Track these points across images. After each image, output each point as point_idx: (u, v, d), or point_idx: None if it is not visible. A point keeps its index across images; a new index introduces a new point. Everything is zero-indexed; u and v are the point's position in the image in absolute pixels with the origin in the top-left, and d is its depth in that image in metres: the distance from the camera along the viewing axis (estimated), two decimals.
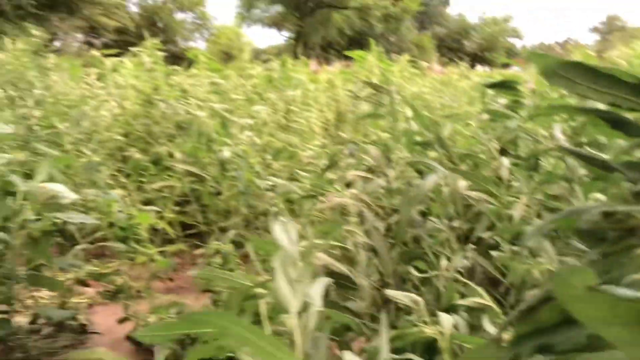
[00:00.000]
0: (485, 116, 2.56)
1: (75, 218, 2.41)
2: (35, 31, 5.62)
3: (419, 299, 1.03)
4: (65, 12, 22.89)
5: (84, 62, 7.01)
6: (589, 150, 1.47)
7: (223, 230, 3.43)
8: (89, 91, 4.75)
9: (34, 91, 4.23)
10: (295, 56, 9.70)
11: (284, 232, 0.93)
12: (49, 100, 4.27)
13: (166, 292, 3.21)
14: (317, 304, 0.96)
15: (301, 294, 0.89)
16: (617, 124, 0.78)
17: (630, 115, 0.77)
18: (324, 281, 1.02)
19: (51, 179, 2.50)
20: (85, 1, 22.22)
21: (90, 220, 2.43)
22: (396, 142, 1.66)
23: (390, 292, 1.08)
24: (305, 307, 0.94)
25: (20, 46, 5.46)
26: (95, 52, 5.23)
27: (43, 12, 21.65)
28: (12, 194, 2.47)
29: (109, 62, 5.39)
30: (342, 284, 1.55)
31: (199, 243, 3.50)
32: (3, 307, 2.58)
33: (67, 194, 2.33)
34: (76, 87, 4.80)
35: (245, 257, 3.33)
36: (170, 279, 3.41)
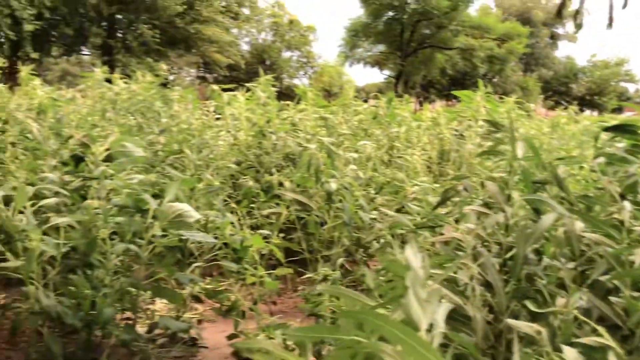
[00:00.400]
0: (601, 160, 2.50)
1: (197, 236, 2.62)
2: (163, 65, 6.15)
3: (542, 329, 1.06)
4: (183, 48, 24.67)
5: (199, 95, 7.55)
6: None
7: (326, 259, 3.54)
8: (208, 122, 5.11)
9: (162, 120, 4.63)
10: (397, 94, 9.83)
11: (414, 256, 1.00)
12: (173, 128, 4.65)
13: (270, 315, 3.34)
14: (441, 326, 1.01)
15: (430, 314, 0.95)
16: None
17: None
18: (447, 306, 1.07)
19: (177, 200, 2.73)
20: (203, 39, 23.84)
21: (210, 239, 2.63)
22: (512, 180, 1.69)
23: (513, 322, 1.11)
24: (430, 328, 1.00)
25: (148, 79, 5.99)
26: (214, 86, 5.62)
27: (164, 48, 23.46)
28: (142, 211, 2.73)
29: (225, 95, 5.78)
30: (453, 316, 1.58)
31: (301, 270, 3.63)
32: (128, 315, 2.83)
33: (192, 214, 2.54)
34: (196, 117, 5.18)
35: (347, 287, 3.41)
36: (274, 303, 3.55)
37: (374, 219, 3.68)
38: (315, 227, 3.67)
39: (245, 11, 30.09)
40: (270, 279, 3.04)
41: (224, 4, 26.20)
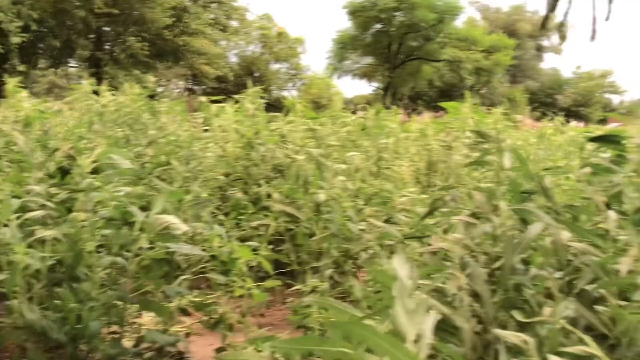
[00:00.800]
0: (587, 170, 2.52)
1: (184, 249, 2.60)
2: (151, 77, 6.14)
3: (529, 339, 1.06)
4: (171, 60, 24.67)
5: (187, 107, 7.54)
6: None
7: (315, 270, 3.52)
8: (196, 134, 5.10)
9: (149, 132, 4.62)
10: (385, 106, 9.88)
11: (403, 266, 1.00)
12: (160, 140, 4.63)
13: (258, 328, 3.32)
14: (429, 336, 1.01)
15: (417, 325, 0.95)
16: None
17: None
18: (435, 316, 1.07)
19: (164, 212, 2.71)
20: (191, 51, 23.86)
21: (197, 251, 2.61)
22: (499, 190, 1.70)
23: (500, 332, 1.11)
24: (417, 338, 0.99)
25: (136, 91, 5.97)
26: (202, 98, 5.62)
27: (152, 60, 23.44)
28: (130, 223, 2.70)
29: (213, 107, 5.77)
30: (441, 327, 1.58)
31: (291, 282, 3.61)
32: (114, 329, 2.79)
33: (179, 226, 2.52)
34: (184, 129, 5.17)
35: (336, 298, 3.40)
36: (262, 315, 3.53)
37: (363, 229, 3.68)
38: (304, 238, 3.67)
39: (234, 23, 30.16)
40: (259, 291, 3.02)
41: (212, 16, 26.25)
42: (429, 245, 1.68)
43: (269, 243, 3.80)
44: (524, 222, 1.73)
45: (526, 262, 1.75)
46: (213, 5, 26.42)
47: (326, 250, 3.73)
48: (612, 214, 1.69)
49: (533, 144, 6.31)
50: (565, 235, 1.71)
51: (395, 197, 3.54)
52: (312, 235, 3.76)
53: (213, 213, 3.98)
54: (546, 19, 2.59)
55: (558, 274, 1.70)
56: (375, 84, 37.41)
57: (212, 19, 26.15)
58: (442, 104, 5.98)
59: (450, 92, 34.09)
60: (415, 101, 38.08)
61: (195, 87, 31.44)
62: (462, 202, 2.13)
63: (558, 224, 1.68)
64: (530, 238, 1.50)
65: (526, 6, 45.25)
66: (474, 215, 1.67)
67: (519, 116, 9.29)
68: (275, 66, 33.99)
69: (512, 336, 1.08)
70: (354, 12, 31.55)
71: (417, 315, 0.96)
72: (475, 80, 34.50)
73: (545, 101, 42.68)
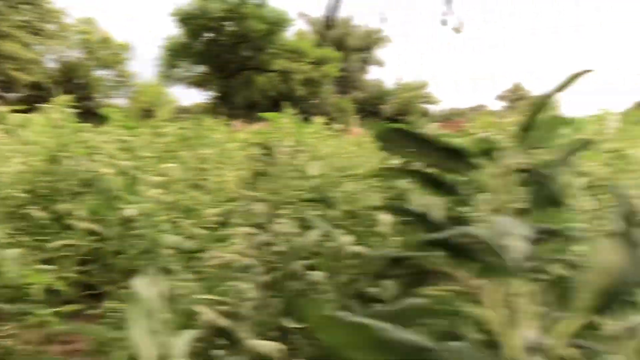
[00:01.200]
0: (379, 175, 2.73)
1: None
2: None
3: (279, 347, 1.09)
4: None
5: None
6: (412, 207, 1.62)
7: (125, 289, 3.35)
8: None
9: None
10: (218, 115, 9.81)
11: (145, 285, 0.97)
12: None
13: (63, 355, 3.08)
14: (179, 355, 1.00)
15: (159, 345, 0.93)
16: (436, 184, 0.90)
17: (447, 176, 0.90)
18: (190, 333, 1.06)
19: None
20: (1, 55, 21.58)
21: None
22: (283, 199, 1.75)
23: (252, 342, 1.13)
24: (164, 359, 0.97)
25: None
26: (1, 108, 5.09)
27: None
28: None
29: (17, 117, 5.26)
30: (228, 339, 1.58)
31: (97, 304, 3.39)
32: None
33: None
34: None
35: None
36: (69, 342, 3.27)
37: (182, 244, 3.58)
38: (112, 256, 3.47)
39: (51, 27, 27.84)
40: (61, 316, 2.79)
41: (24, 18, 24.00)
42: (215, 257, 1.68)
43: (80, 263, 3.54)
44: (308, 229, 1.81)
45: (312, 268, 1.83)
46: (25, 6, 24.17)
47: (139, 268, 3.58)
48: (384, 217, 1.83)
49: (350, 152, 6.66)
50: (346, 239, 1.82)
51: (205, 209, 3.50)
52: (122, 252, 3.58)
53: (12, 234, 3.61)
54: (329, 19, 2.75)
55: (343, 277, 1.80)
56: (210, 93, 37.03)
57: (24, 22, 23.90)
58: (263, 114, 6.07)
59: (283, 102, 34.85)
60: (252, 110, 38.39)
61: (8, 95, 28.50)
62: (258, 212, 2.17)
63: (337, 229, 1.77)
64: (304, 245, 1.56)
65: (353, 20, 47.94)
66: (257, 225, 1.71)
67: (345, 125, 9.77)
68: (99, 72, 32.03)
69: (261, 346, 1.11)
70: (183, 20, 30.97)
71: (161, 335, 0.94)
72: (306, 91, 35.73)
73: (372, 110, 45.62)
